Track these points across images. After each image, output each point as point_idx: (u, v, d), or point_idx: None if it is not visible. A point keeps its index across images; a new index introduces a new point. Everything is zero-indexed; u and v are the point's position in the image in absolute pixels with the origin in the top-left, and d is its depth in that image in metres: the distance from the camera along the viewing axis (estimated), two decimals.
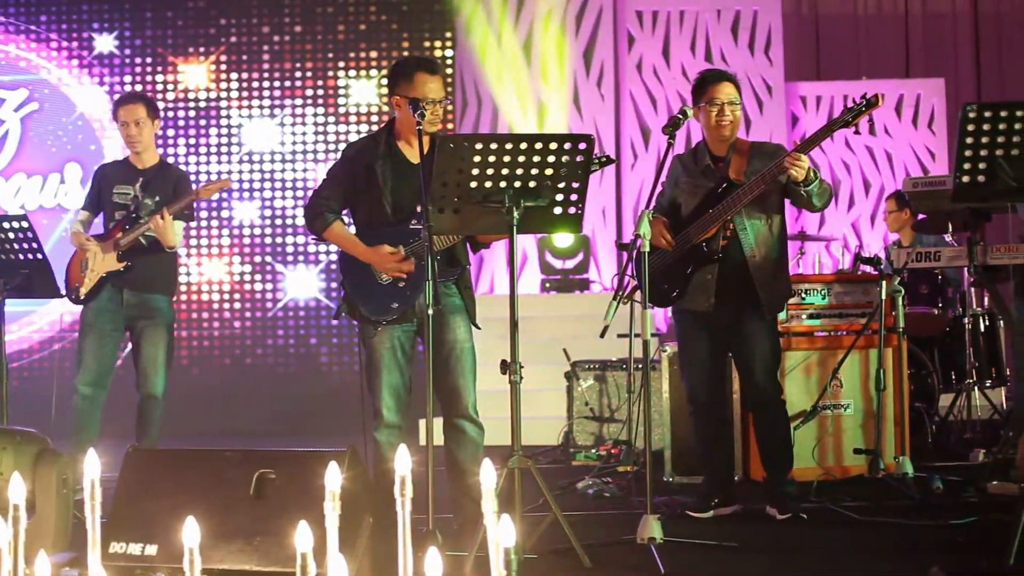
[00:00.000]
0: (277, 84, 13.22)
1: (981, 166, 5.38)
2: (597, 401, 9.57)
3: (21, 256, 7.35)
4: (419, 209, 5.95)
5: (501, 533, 2.55)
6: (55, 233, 12.56)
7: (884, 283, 8.02)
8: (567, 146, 5.53)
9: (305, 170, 12.97)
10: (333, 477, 2.81)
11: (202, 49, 13.24)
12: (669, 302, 6.95)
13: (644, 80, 13.78)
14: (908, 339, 8.62)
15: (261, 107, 13.19)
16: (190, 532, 2.58)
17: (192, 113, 13.21)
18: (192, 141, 13.18)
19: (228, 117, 13.19)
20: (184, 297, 13.03)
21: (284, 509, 5.08)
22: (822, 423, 8.18)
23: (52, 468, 5.59)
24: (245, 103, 13.20)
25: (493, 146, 5.48)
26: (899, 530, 6.42)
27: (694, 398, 7.01)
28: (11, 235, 7.37)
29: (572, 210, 5.67)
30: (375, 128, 11.90)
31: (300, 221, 12.65)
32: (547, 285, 13.16)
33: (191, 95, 13.21)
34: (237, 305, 13.13)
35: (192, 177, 12.85)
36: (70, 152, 13.13)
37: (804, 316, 8.37)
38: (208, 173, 13.09)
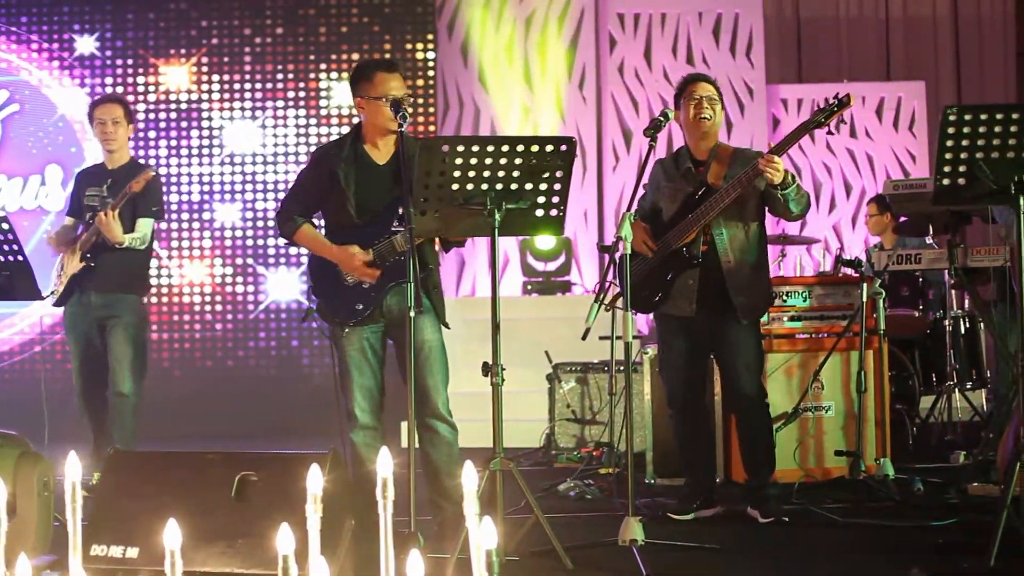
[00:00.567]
0: (259, 86, 13.20)
1: (961, 169, 5.40)
2: (579, 403, 9.58)
3: (1, 258, 7.36)
4: (401, 211, 5.94)
5: (483, 535, 2.55)
6: (36, 235, 12.51)
7: (865, 285, 8.04)
8: (549, 148, 5.54)
9: (287, 172, 12.94)
10: (315, 479, 2.81)
11: (183, 51, 13.21)
12: (652, 307, 6.96)
13: (626, 82, 13.79)
14: (889, 341, 8.64)
15: (243, 109, 13.17)
16: (171, 534, 2.57)
17: (173, 115, 13.17)
18: (173, 143, 13.14)
19: (209, 119, 13.16)
20: (165, 299, 13.01)
21: (266, 511, 5.07)
22: (803, 425, 8.19)
23: (33, 471, 5.59)
24: (227, 105, 13.17)
25: (475, 148, 5.50)
26: (880, 532, 6.44)
27: (674, 401, 7.03)
28: None
29: (554, 212, 5.69)
30: None
31: None
32: (529, 287, 13.16)
33: (172, 97, 13.18)
34: (219, 307, 13.10)
35: (173, 179, 12.90)
36: (51, 154, 13.09)
37: (785, 318, 8.38)
38: (190, 175, 13.07)
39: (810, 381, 8.18)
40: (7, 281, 7.49)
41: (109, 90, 13.02)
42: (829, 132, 6.65)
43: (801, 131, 6.60)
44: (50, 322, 12.08)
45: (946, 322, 9.93)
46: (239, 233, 13.10)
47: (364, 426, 6.17)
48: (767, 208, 6.79)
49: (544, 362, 9.73)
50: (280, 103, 13.16)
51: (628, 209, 6.34)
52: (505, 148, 5.51)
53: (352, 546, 5.12)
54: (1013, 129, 5.31)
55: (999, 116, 5.32)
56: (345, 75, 13.01)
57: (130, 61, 13.19)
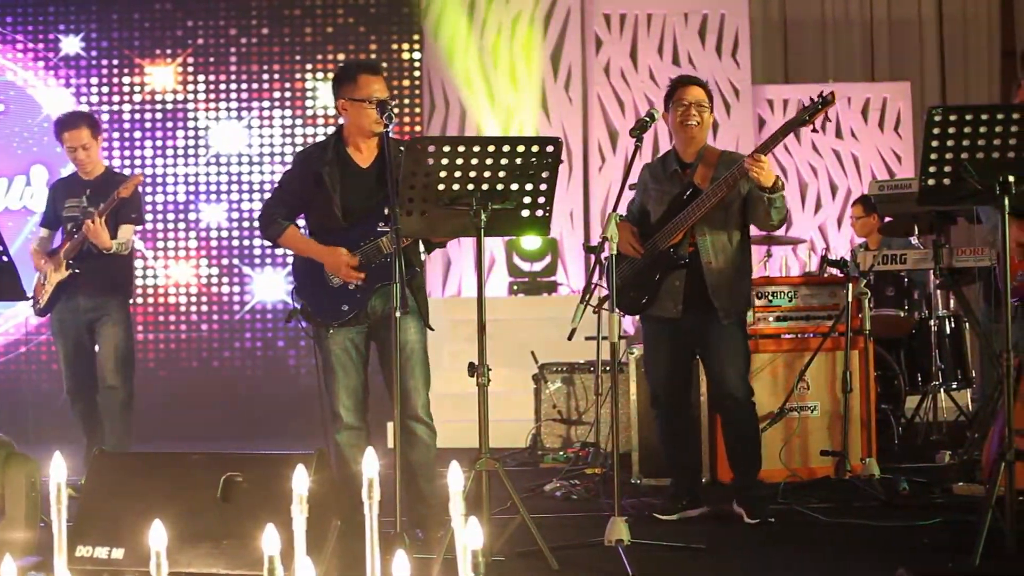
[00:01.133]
0: (244, 86, 13.17)
1: (946, 169, 5.41)
2: (565, 403, 9.58)
3: None
4: (387, 212, 5.94)
5: (469, 535, 2.55)
6: (21, 235, 12.48)
7: (850, 285, 8.05)
8: (535, 148, 5.55)
9: (273, 172, 12.91)
10: (300, 480, 2.81)
11: (169, 51, 13.18)
12: (639, 309, 6.96)
13: (612, 83, 13.78)
14: (874, 341, 8.66)
15: (228, 109, 13.14)
16: (157, 535, 2.57)
17: (159, 115, 13.14)
18: (159, 143, 13.11)
19: (195, 119, 13.13)
20: (151, 300, 12.98)
21: (251, 512, 5.07)
22: (789, 425, 8.20)
23: (21, 472, 5.58)
24: (212, 105, 13.15)
25: (460, 148, 5.50)
26: (865, 531, 6.45)
27: (658, 402, 7.03)
28: None
29: (540, 213, 5.69)
30: None
31: None
32: (515, 288, 13.15)
33: (158, 97, 13.15)
34: (204, 308, 13.08)
35: (159, 180, 12.88)
36: (36, 154, 13.05)
37: (771, 318, 8.40)
38: (175, 176, 13.04)
39: (796, 381, 8.19)
40: None
41: (95, 91, 13.00)
42: (814, 130, 6.67)
43: (786, 129, 6.61)
44: (36, 323, 12.07)
45: (931, 322, 9.95)
46: (225, 234, 13.07)
47: (348, 426, 6.18)
48: (748, 214, 6.79)
49: (530, 362, 9.73)
50: (266, 103, 13.14)
51: (614, 209, 6.34)
52: (491, 149, 5.51)
53: (338, 547, 5.12)
54: (998, 129, 5.32)
55: (984, 116, 5.34)
56: (331, 76, 12.97)
57: (115, 61, 13.16)
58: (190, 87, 13.14)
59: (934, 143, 5.37)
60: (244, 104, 13.13)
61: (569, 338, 6.47)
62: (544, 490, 7.96)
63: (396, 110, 6.09)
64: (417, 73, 13.24)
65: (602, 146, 13.72)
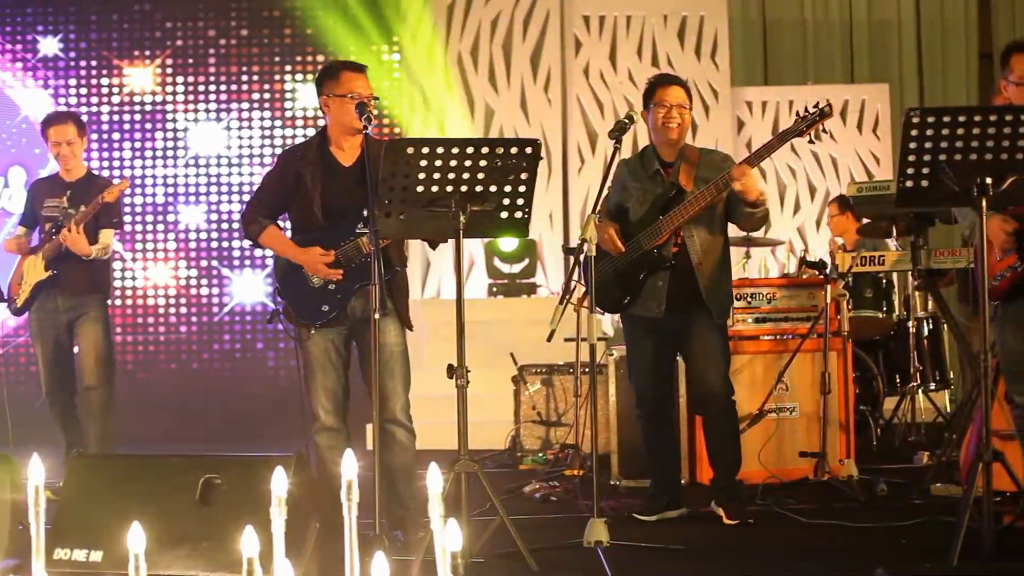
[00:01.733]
0: (223, 88, 13.16)
1: (924, 171, 5.42)
2: (544, 405, 9.58)
3: None
4: (366, 212, 5.93)
5: (448, 537, 2.55)
6: None
7: (829, 287, 8.07)
8: (514, 150, 5.55)
9: (252, 174, 12.91)
10: (280, 482, 2.81)
11: (148, 52, 13.16)
12: (621, 309, 6.96)
13: (591, 85, 13.79)
14: (853, 343, 8.68)
15: (207, 111, 13.13)
16: (135, 538, 2.57)
17: (138, 117, 13.12)
18: (138, 145, 13.10)
19: (174, 121, 13.12)
20: (130, 302, 12.96)
21: (230, 514, 5.06)
22: (768, 426, 8.21)
23: (4, 472, 5.56)
24: (191, 107, 13.14)
25: (439, 150, 5.49)
26: (844, 532, 6.46)
27: (642, 402, 7.02)
28: None
29: (519, 214, 5.69)
30: None
31: None
32: (494, 289, 13.15)
33: (136, 98, 13.13)
34: (183, 310, 13.06)
35: (138, 181, 12.86)
36: (14, 156, 13.03)
37: (750, 320, 8.41)
38: (154, 177, 13.02)
39: (775, 382, 8.20)
40: None
41: (73, 92, 12.98)
42: (810, 141, 6.69)
43: (780, 140, 6.63)
44: (13, 324, 12.03)
45: (910, 324, 9.98)
46: (204, 235, 13.06)
47: (328, 428, 6.18)
48: (729, 213, 6.81)
49: (509, 364, 9.73)
50: (245, 105, 13.13)
51: (593, 211, 6.34)
52: (470, 150, 5.51)
53: (317, 548, 5.11)
54: (976, 131, 5.33)
55: (962, 118, 5.35)
56: (311, 77, 12.99)
57: (94, 63, 13.14)
58: (169, 88, 13.13)
59: (912, 145, 5.38)
60: (223, 105, 13.12)
61: (548, 340, 6.47)
62: (523, 492, 7.96)
63: (375, 111, 6.07)
64: (396, 75, 13.24)
65: (581, 148, 13.73)
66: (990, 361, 5.49)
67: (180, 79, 13.16)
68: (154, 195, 12.99)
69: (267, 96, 13.17)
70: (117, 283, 12.41)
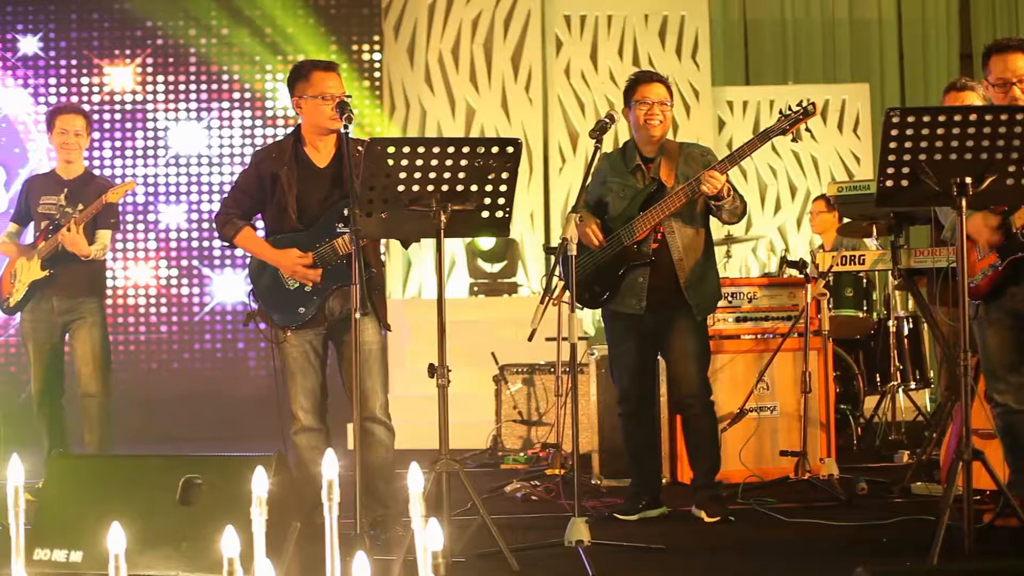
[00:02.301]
0: (204, 87, 13.14)
1: (905, 171, 5.43)
2: (525, 404, 9.59)
3: None
4: (346, 212, 5.92)
5: (429, 537, 2.55)
6: None
7: (809, 286, 8.08)
8: (495, 150, 5.55)
9: (232, 173, 12.87)
10: (260, 482, 2.80)
11: (128, 51, 13.13)
12: (599, 304, 6.96)
13: (572, 84, 13.81)
14: (834, 342, 8.70)
15: (188, 110, 13.11)
16: (115, 538, 2.56)
17: (118, 116, 13.09)
18: (118, 144, 13.06)
19: (155, 120, 13.09)
20: (110, 301, 12.92)
21: (211, 514, 5.05)
22: (748, 425, 8.22)
23: None
24: (172, 106, 13.11)
25: (420, 149, 5.49)
26: (825, 531, 6.46)
27: (625, 400, 7.02)
28: None
29: (500, 213, 5.68)
30: None
31: None
32: (475, 289, 13.15)
33: (117, 98, 13.10)
34: (164, 309, 13.04)
35: (118, 181, 12.80)
36: None
37: (731, 319, 8.42)
38: (135, 176, 12.98)
39: (755, 381, 8.22)
40: None
41: (53, 91, 12.95)
42: (793, 139, 6.69)
43: (763, 138, 6.63)
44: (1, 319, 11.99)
45: (890, 323, 10.00)
46: (184, 235, 13.04)
47: (307, 428, 6.19)
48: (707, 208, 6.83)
49: (491, 363, 9.73)
50: (225, 104, 13.11)
51: (573, 210, 6.34)
52: (451, 149, 5.50)
53: (298, 548, 5.11)
54: (956, 131, 5.34)
55: (942, 118, 5.36)
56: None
57: (74, 61, 13.11)
58: (149, 88, 13.10)
59: (892, 145, 5.39)
60: (204, 105, 13.10)
61: (529, 339, 6.48)
62: (504, 491, 7.96)
63: (356, 110, 6.07)
64: (377, 74, 13.23)
65: (562, 147, 13.75)
66: (970, 360, 5.50)
67: (160, 78, 13.14)
68: (134, 194, 12.95)
69: (247, 95, 13.15)
70: None
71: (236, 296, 12.94)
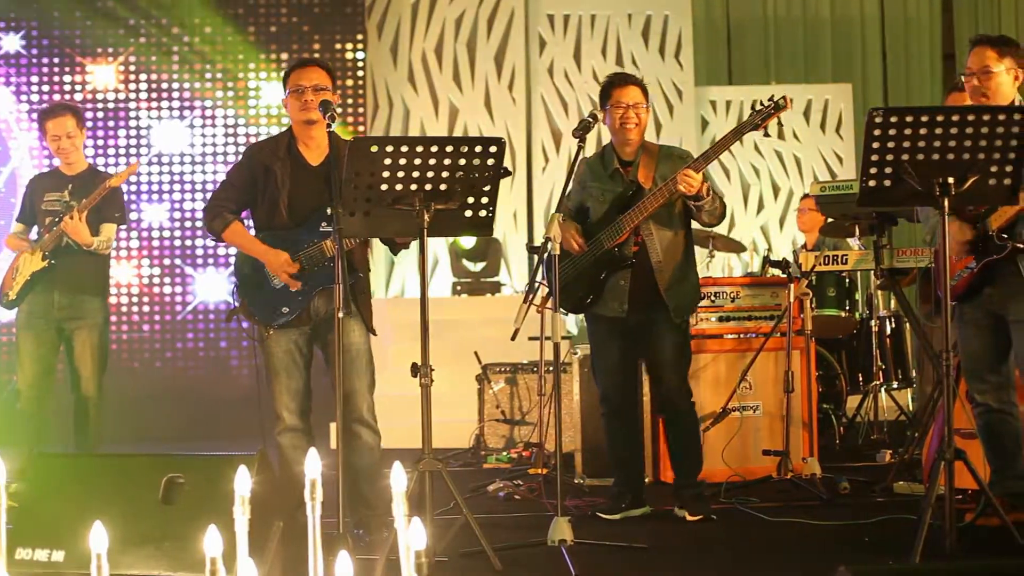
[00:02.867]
0: (187, 85, 13.10)
1: (887, 171, 5.44)
2: (508, 404, 9.59)
3: None
4: (330, 211, 5.92)
5: (412, 536, 2.55)
6: None
7: (792, 286, 8.09)
8: (478, 149, 5.55)
9: (215, 172, 12.84)
10: (243, 481, 2.80)
11: (111, 50, 13.08)
12: (584, 308, 6.97)
13: (555, 83, 13.82)
14: (816, 341, 8.71)
15: (171, 108, 13.06)
16: (97, 537, 2.56)
17: (100, 114, 13.03)
18: (100, 142, 13.01)
19: (137, 118, 13.04)
20: None
21: (193, 513, 5.04)
22: (731, 425, 8.23)
23: None
24: (154, 104, 13.07)
25: (404, 148, 5.49)
26: (807, 530, 6.48)
27: (607, 401, 7.03)
28: None
29: (483, 213, 5.68)
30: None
31: None
32: (458, 288, 13.15)
33: (99, 96, 13.05)
34: (146, 308, 12.99)
35: None
36: None
37: (713, 318, 8.43)
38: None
39: (738, 381, 8.23)
40: None
41: (35, 89, 12.90)
42: (766, 134, 6.71)
43: (736, 134, 6.65)
44: None
45: (872, 322, 10.02)
46: (167, 234, 13.00)
47: (292, 428, 6.18)
48: (686, 210, 6.84)
49: (473, 363, 9.73)
50: (208, 103, 13.07)
51: (556, 210, 6.35)
52: (434, 149, 5.50)
53: (280, 548, 5.10)
54: (938, 131, 5.36)
55: (924, 118, 5.37)
56: (274, 75, 12.96)
57: (56, 59, 13.05)
58: (132, 86, 13.05)
59: (875, 145, 5.40)
60: (186, 103, 13.05)
61: (512, 338, 6.48)
62: (487, 490, 7.96)
63: (339, 109, 6.08)
64: (361, 73, 13.21)
65: (545, 146, 13.76)
66: (952, 360, 5.51)
67: (143, 76, 13.09)
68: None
69: (231, 94, 13.11)
70: None
71: (219, 295, 12.90)
